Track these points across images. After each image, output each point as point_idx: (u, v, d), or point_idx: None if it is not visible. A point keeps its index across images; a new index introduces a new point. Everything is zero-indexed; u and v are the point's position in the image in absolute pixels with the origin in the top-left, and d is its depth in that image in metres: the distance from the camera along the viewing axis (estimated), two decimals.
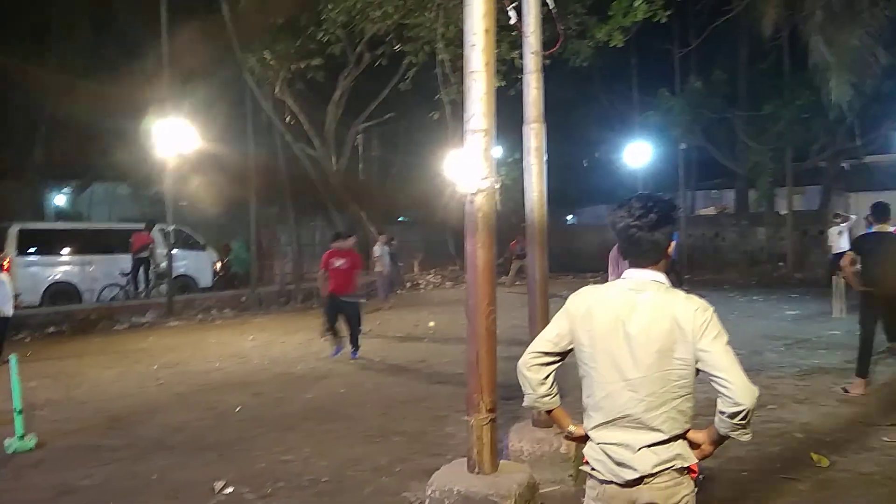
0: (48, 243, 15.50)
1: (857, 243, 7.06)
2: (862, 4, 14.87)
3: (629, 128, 24.19)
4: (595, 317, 2.17)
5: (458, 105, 5.00)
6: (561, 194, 23.93)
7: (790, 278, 19.51)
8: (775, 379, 7.41)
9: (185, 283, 17.26)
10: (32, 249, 14.99)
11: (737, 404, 1.98)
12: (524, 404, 2.36)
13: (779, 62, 19.96)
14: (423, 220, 29.36)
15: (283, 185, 18.40)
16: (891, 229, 6.62)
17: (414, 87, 12.69)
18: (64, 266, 15.66)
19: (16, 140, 18.79)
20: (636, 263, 2.18)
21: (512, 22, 4.88)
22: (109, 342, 11.97)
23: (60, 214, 20.65)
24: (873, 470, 4.71)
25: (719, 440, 2.12)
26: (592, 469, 2.20)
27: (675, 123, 21.81)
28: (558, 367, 2.29)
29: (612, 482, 2.14)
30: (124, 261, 16.25)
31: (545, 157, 4.95)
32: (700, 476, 2.22)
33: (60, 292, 15.30)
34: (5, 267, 11.03)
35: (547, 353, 2.26)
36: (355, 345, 9.58)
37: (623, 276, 2.21)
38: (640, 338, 2.08)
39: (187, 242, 17.71)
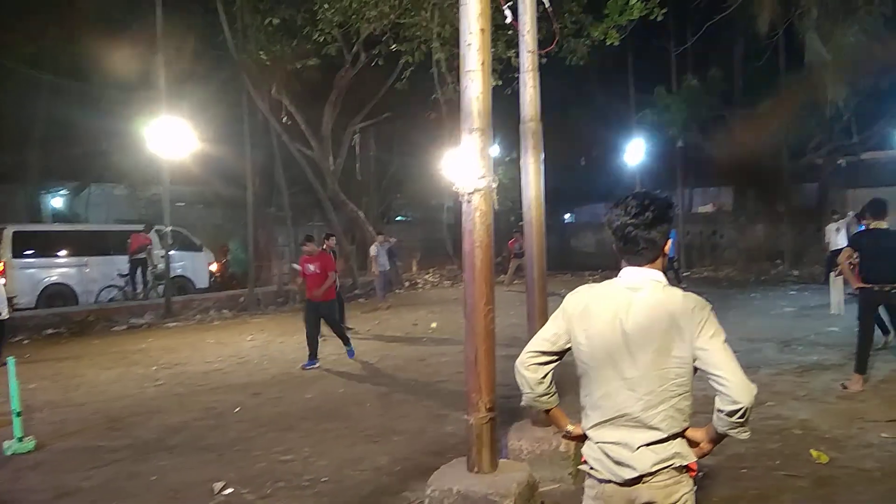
0: (43, 245, 15.48)
1: (855, 240, 7.07)
2: (857, 1, 14.88)
3: (626, 126, 24.22)
4: (592, 315, 2.16)
5: (455, 104, 4.99)
6: (558, 193, 23.90)
7: (788, 275, 19.54)
8: (774, 376, 7.42)
9: (182, 284, 17.29)
10: (27, 251, 14.97)
11: (735, 402, 1.98)
12: (522, 403, 2.36)
13: (775, 60, 19.95)
14: (421, 219, 29.43)
15: (280, 186, 18.39)
16: (885, 226, 6.62)
17: (410, 87, 12.68)
18: (59, 268, 15.65)
19: (12, 142, 18.74)
20: (633, 262, 2.18)
21: (508, 21, 4.89)
22: (108, 343, 11.96)
23: (57, 216, 20.62)
24: (873, 466, 4.72)
25: (718, 438, 2.12)
26: (591, 468, 2.20)
27: (672, 121, 21.84)
28: (556, 366, 2.29)
29: (610, 481, 2.14)
30: (120, 262, 16.26)
31: (542, 156, 4.96)
32: (699, 474, 2.22)
33: (56, 294, 15.30)
34: (0, 270, 11.01)
35: (544, 353, 2.25)
36: (346, 343, 9.56)
37: (620, 274, 2.21)
38: (637, 336, 2.08)
39: (184, 243, 17.71)
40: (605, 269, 21.19)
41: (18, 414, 5.80)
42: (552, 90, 6.20)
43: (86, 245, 16.14)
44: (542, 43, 5.10)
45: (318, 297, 9.21)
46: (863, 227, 6.94)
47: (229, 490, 4.79)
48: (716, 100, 22.62)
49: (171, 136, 14.45)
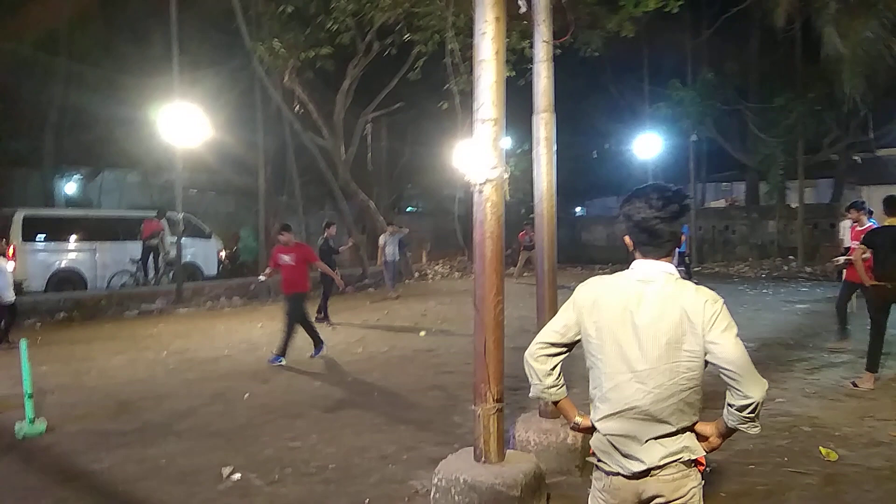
0: (53, 230, 15.58)
1: (868, 237, 7.02)
2: None
3: (639, 119, 24.07)
4: (603, 308, 2.16)
5: (468, 95, 4.97)
6: (570, 186, 23.94)
7: (800, 272, 19.41)
8: (784, 372, 7.39)
9: (191, 271, 17.36)
10: (37, 236, 15.08)
11: (746, 397, 1.97)
12: (531, 395, 2.35)
13: (791, 54, 19.76)
14: (432, 210, 29.42)
15: (291, 174, 18.42)
16: None
17: (423, 77, 12.61)
18: (68, 253, 15.75)
19: (28, 128, 18.89)
20: (650, 254, 2.16)
21: (522, 11, 4.85)
22: (119, 328, 12.05)
23: (71, 202, 20.77)
24: (882, 465, 4.69)
25: (728, 433, 2.11)
26: (599, 460, 2.20)
27: (685, 115, 21.67)
28: (565, 358, 2.29)
29: (618, 474, 2.13)
30: (131, 248, 16.36)
31: (555, 148, 4.93)
32: (707, 469, 2.21)
33: (65, 279, 15.41)
34: (9, 254, 11.09)
35: (554, 344, 2.25)
36: (282, 349, 8.64)
37: (632, 266, 2.19)
38: (648, 329, 2.07)
39: (193, 230, 17.79)
40: (616, 262, 21.12)
41: (30, 396, 5.85)
42: (566, 82, 6.17)
43: (95, 230, 16.23)
44: (556, 33, 5.06)
45: (286, 289, 8.69)
46: (871, 223, 6.87)
47: (237, 475, 4.82)
48: (731, 94, 22.43)
49: (183, 123, 14.48)
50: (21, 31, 16.32)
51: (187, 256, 17.07)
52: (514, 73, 9.46)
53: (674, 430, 2.07)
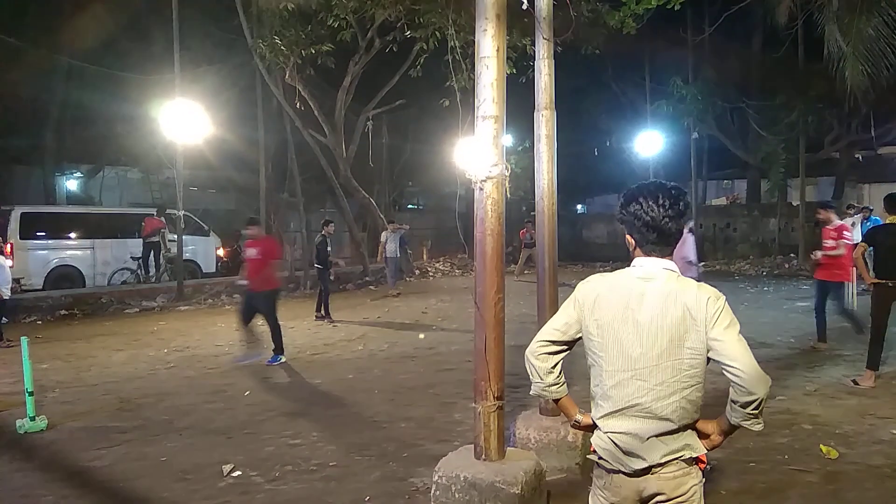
0: (51, 227, 15.59)
1: (870, 235, 7.01)
2: None
3: (641, 116, 24.05)
4: (604, 305, 2.15)
5: (469, 92, 4.95)
6: (571, 183, 23.91)
7: (801, 269, 19.38)
8: (785, 370, 7.38)
9: (189, 269, 17.36)
10: (35, 233, 15.08)
11: (750, 393, 1.97)
12: (531, 392, 2.35)
13: (793, 51, 19.71)
14: (433, 207, 29.42)
15: (292, 172, 18.41)
16: None
17: (424, 74, 12.61)
18: (66, 250, 15.75)
19: (29, 124, 18.88)
20: (657, 253, 2.16)
21: (524, 8, 4.84)
22: (120, 325, 12.06)
23: (72, 199, 20.78)
24: (883, 463, 4.69)
25: (730, 430, 2.11)
26: (600, 458, 2.19)
27: (687, 112, 21.64)
28: (566, 355, 2.28)
29: (619, 471, 2.13)
30: (131, 245, 16.37)
31: (555, 145, 4.92)
32: (708, 466, 2.21)
33: (63, 276, 15.42)
34: (6, 250, 11.09)
35: (555, 342, 2.24)
36: (279, 347, 8.56)
37: (634, 263, 2.19)
38: (650, 326, 2.07)
39: (192, 228, 17.79)
40: (617, 260, 21.10)
41: (31, 393, 5.86)
42: (567, 79, 6.16)
43: (93, 228, 16.24)
44: (557, 31, 5.05)
45: (254, 286, 8.39)
46: (869, 221, 6.88)
47: (238, 472, 4.82)
48: (732, 91, 22.38)
49: (185, 121, 14.47)
50: (24, 29, 16.31)
51: (186, 254, 17.09)
52: (514, 71, 9.45)
53: (675, 427, 2.06)
